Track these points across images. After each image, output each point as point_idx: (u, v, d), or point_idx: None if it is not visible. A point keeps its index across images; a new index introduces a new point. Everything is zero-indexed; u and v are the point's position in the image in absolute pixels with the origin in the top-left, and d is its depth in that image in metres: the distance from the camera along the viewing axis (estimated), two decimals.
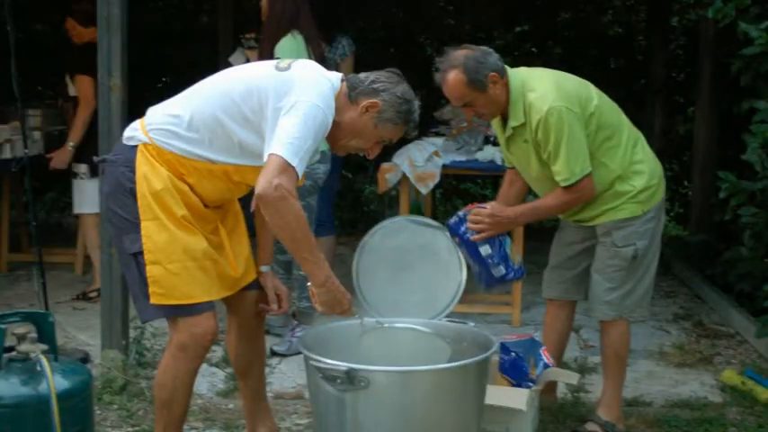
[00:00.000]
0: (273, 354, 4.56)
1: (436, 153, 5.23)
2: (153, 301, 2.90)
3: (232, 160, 2.93)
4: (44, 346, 2.70)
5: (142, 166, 2.91)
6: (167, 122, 2.93)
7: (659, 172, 3.62)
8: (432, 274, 3.39)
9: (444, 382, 2.85)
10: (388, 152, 4.95)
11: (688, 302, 5.82)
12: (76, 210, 5.55)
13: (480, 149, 5.35)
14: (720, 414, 3.95)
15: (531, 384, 3.43)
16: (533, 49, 9.06)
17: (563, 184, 3.43)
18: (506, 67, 3.47)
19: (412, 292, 3.35)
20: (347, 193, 8.72)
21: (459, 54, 3.40)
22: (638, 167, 3.53)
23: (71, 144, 5.32)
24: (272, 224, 2.76)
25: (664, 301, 5.83)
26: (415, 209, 6.20)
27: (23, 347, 2.68)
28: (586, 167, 3.41)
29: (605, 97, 3.57)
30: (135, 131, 2.98)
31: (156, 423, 3.06)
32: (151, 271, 2.88)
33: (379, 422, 2.80)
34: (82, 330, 4.95)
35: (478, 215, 3.47)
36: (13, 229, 6.41)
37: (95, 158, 3.24)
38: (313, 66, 2.98)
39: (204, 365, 3.85)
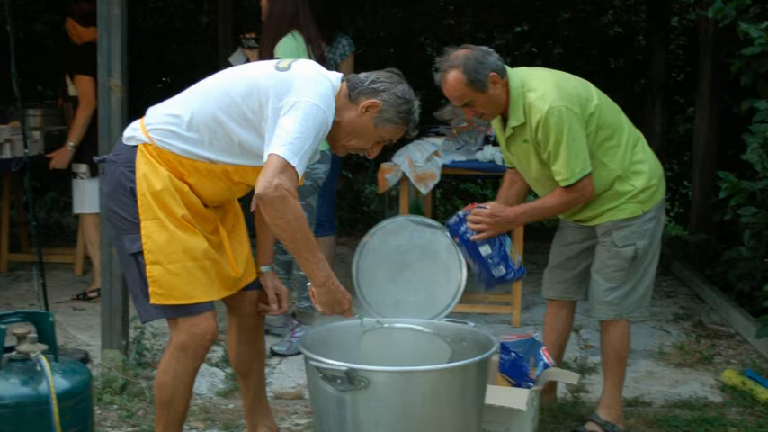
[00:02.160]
0: (273, 354, 4.57)
1: (436, 153, 5.23)
2: (153, 301, 2.90)
3: (232, 160, 2.93)
4: (44, 346, 2.70)
5: (142, 166, 2.91)
6: (167, 122, 2.93)
7: (659, 172, 3.62)
8: (432, 274, 3.39)
9: (444, 382, 2.85)
10: (388, 152, 4.96)
11: (688, 302, 5.82)
12: (76, 210, 5.55)
13: (480, 149, 5.36)
14: (720, 414, 3.95)
15: (531, 384, 3.43)
16: (533, 49, 9.06)
17: (563, 184, 3.43)
18: (506, 67, 3.47)
19: (412, 292, 3.36)
20: (347, 193, 8.72)
21: (460, 54, 3.40)
22: (638, 167, 3.53)
23: (71, 144, 5.32)
24: (273, 224, 2.76)
25: (664, 301, 5.83)
26: (415, 209, 6.21)
27: (23, 347, 2.68)
28: (586, 167, 3.41)
29: (605, 97, 3.57)
30: (135, 131, 2.98)
31: (156, 423, 3.07)
32: (151, 271, 2.88)
33: (379, 422, 2.80)
34: (82, 330, 4.95)
35: (478, 215, 3.47)
36: (13, 229, 6.41)
37: (95, 158, 3.24)
38: (313, 66, 2.98)
39: (204, 365, 3.86)
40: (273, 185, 2.67)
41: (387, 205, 7.98)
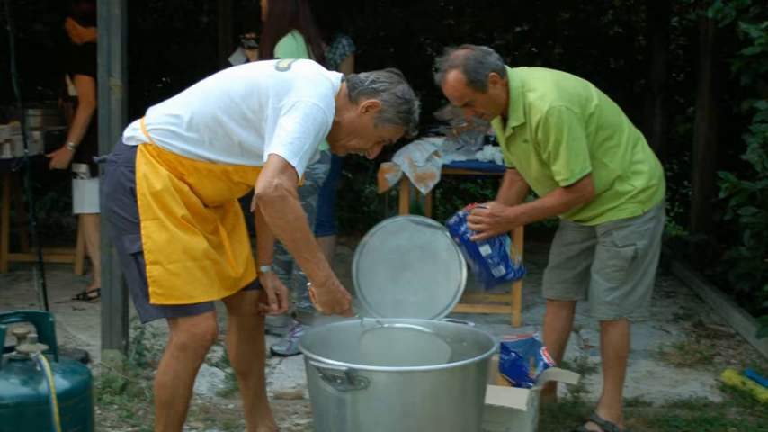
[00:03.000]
0: (273, 354, 4.57)
1: (436, 153, 5.23)
2: (153, 301, 2.90)
3: (232, 160, 2.93)
4: (44, 346, 2.70)
5: (142, 166, 2.91)
6: (167, 122, 2.93)
7: (659, 172, 3.62)
8: (432, 274, 3.39)
9: (444, 382, 2.85)
10: (388, 152, 4.96)
11: (688, 302, 5.82)
12: (76, 210, 5.55)
13: (480, 149, 5.36)
14: (720, 414, 3.95)
15: (531, 384, 3.43)
16: (533, 49, 9.07)
17: (563, 184, 3.43)
18: (506, 67, 3.47)
19: (412, 292, 3.36)
20: (347, 193, 8.72)
21: (460, 54, 3.40)
22: (638, 167, 3.53)
23: (71, 144, 5.32)
24: (273, 224, 2.76)
25: (664, 301, 5.83)
26: (415, 209, 6.21)
27: (23, 347, 2.68)
28: (586, 167, 3.41)
29: (605, 97, 3.57)
30: (135, 131, 2.98)
31: (156, 423, 3.07)
32: (151, 271, 2.88)
33: (379, 422, 2.80)
34: (82, 330, 4.95)
35: (478, 215, 3.47)
36: (13, 229, 6.41)
37: (95, 158, 3.25)
38: (313, 66, 2.98)
39: (204, 365, 3.86)
40: (273, 185, 2.67)
41: (387, 205, 7.98)
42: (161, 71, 9.02)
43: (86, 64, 4.75)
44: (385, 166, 5.25)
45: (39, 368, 2.63)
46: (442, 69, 3.41)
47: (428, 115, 5.19)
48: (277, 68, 2.92)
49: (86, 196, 5.38)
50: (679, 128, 8.47)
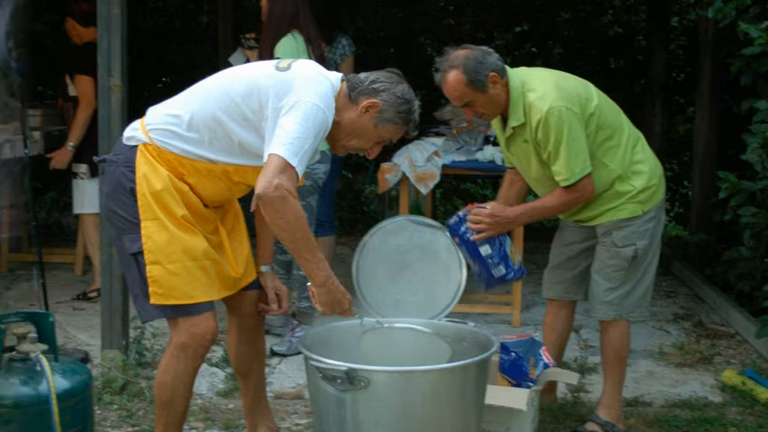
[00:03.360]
0: (273, 354, 4.57)
1: (436, 153, 5.23)
2: (153, 301, 2.90)
3: (232, 160, 2.93)
4: (44, 346, 2.70)
5: (142, 166, 2.91)
6: (167, 122, 2.93)
7: (659, 172, 3.62)
8: (432, 274, 3.39)
9: (444, 382, 2.85)
10: (388, 152, 4.96)
11: (688, 302, 5.82)
12: (76, 210, 5.55)
13: (480, 149, 5.36)
14: (720, 414, 3.95)
15: (531, 384, 3.43)
16: (533, 49, 9.07)
17: (563, 184, 3.43)
18: (506, 67, 3.47)
19: (412, 291, 3.36)
20: (347, 193, 8.72)
21: (460, 54, 3.40)
22: (638, 167, 3.53)
23: (71, 144, 5.32)
24: (273, 224, 2.76)
25: (664, 301, 5.83)
26: (415, 209, 6.21)
27: (23, 347, 2.69)
28: (586, 167, 3.41)
29: (605, 97, 3.57)
30: (135, 131, 2.98)
31: (156, 423, 3.07)
32: (151, 271, 2.88)
33: (379, 422, 2.80)
34: (82, 330, 4.95)
35: (478, 215, 3.47)
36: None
37: (95, 158, 3.25)
38: (313, 66, 2.98)
39: (204, 365, 3.86)
40: (273, 185, 2.67)
41: (387, 205, 7.98)
42: (161, 71, 9.02)
43: (86, 64, 4.75)
44: (385, 166, 5.25)
45: (39, 368, 2.63)
46: (442, 69, 3.41)
47: (428, 115, 5.19)
48: (277, 68, 2.92)
49: (86, 196, 5.38)
50: (679, 128, 8.47)
